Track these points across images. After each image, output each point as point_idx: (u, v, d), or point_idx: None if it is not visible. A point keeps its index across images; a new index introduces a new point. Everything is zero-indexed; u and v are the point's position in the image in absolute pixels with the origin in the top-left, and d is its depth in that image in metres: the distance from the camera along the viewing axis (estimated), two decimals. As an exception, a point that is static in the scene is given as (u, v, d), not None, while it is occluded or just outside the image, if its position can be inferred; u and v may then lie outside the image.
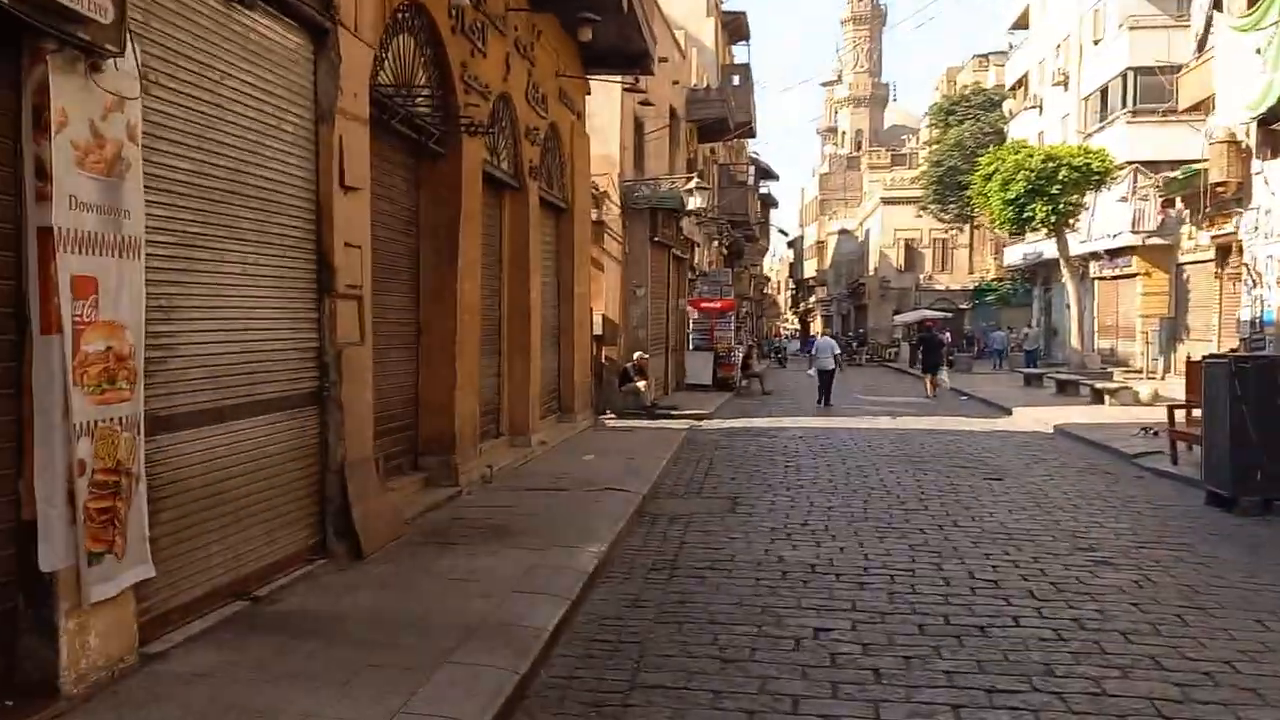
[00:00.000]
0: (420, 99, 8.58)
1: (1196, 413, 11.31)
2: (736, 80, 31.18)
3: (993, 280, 48.31)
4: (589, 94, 15.56)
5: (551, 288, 13.86)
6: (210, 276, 5.25)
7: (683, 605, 5.91)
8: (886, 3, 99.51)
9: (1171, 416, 11.15)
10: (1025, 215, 26.69)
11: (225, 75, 5.36)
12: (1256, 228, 9.88)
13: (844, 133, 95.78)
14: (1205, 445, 9.01)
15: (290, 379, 6.14)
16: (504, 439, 11.41)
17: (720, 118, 27.12)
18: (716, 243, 32.23)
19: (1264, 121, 10.03)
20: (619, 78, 15.66)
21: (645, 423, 16.94)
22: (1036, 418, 18.05)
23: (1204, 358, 9.70)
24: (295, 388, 6.19)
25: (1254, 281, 9.95)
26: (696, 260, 27.43)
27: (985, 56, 57.93)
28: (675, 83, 24.77)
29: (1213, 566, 6.78)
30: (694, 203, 19.03)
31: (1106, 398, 19.52)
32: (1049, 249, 33.12)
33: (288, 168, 6.11)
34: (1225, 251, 21.29)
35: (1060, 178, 25.56)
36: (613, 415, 17.52)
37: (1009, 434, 15.97)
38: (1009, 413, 19.76)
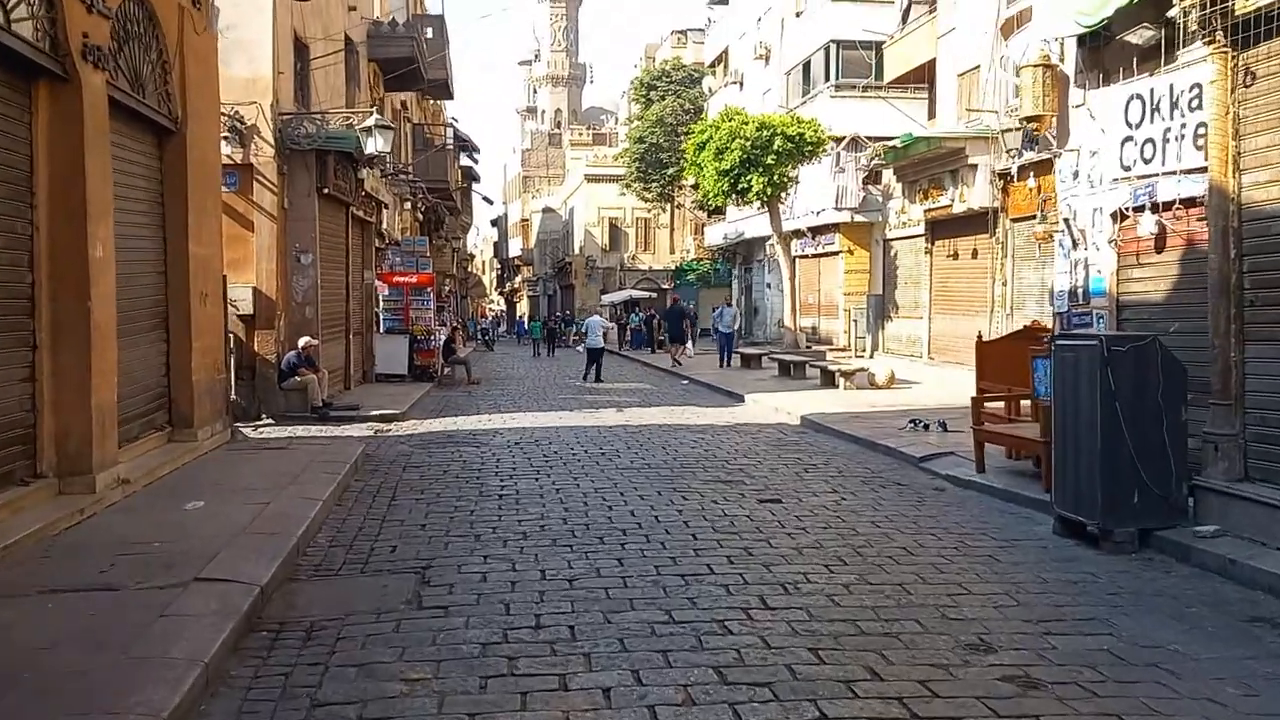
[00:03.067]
0: None
1: (994, 406, 9.41)
2: (430, 33, 27.22)
3: (693, 260, 47.72)
4: (216, -19, 11.23)
5: (151, 244, 9.46)
6: None
7: None
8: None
9: (978, 412, 8.97)
10: (740, 187, 25.07)
11: None
12: (1077, 174, 7.93)
13: (544, 111, 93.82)
14: (1058, 457, 6.74)
15: None
16: (46, 483, 7.06)
17: (409, 59, 23.04)
18: (410, 205, 28.05)
19: (1085, 40, 8.05)
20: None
21: (315, 430, 13.03)
22: (775, 406, 16.11)
23: (1053, 337, 7.52)
24: None
25: (1075, 241, 8.00)
26: (386, 225, 23.14)
27: (683, 33, 57.73)
28: (353, 9, 20.45)
29: (1179, 674, 4.28)
30: (375, 144, 14.95)
31: (841, 381, 17.99)
32: (750, 228, 32.12)
33: None
34: (934, 226, 20.71)
35: (775, 147, 24.14)
36: (271, 421, 13.37)
37: (754, 429, 13.70)
38: (740, 400, 17.81)
